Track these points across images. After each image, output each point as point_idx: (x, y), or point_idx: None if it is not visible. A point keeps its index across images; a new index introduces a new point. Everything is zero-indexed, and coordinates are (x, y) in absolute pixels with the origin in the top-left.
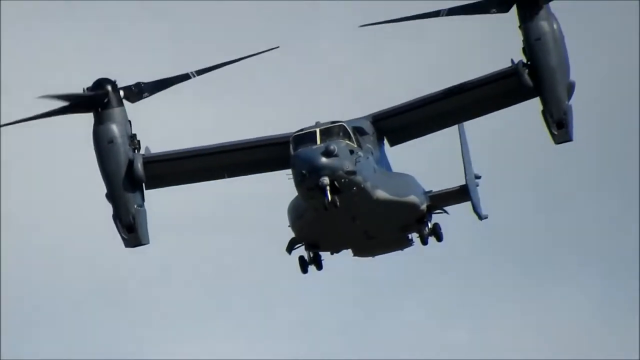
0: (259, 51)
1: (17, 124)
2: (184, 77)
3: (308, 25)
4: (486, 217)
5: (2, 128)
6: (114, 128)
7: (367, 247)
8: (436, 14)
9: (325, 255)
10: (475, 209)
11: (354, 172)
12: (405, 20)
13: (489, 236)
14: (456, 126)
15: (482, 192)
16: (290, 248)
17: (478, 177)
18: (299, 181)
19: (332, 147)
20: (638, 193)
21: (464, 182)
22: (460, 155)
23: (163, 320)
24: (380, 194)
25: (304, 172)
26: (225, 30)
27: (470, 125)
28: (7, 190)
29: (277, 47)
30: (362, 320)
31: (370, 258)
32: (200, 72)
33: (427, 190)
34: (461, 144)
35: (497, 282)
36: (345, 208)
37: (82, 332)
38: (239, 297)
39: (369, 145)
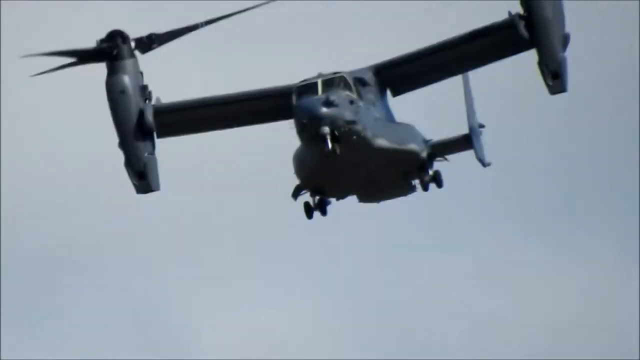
0: (265, 1)
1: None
2: (193, 28)
3: None
4: (489, 164)
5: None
6: (126, 79)
7: (371, 193)
8: None
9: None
10: (479, 157)
11: (353, 122)
12: None
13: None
14: (460, 76)
15: (485, 140)
16: (295, 194)
17: (482, 126)
18: (301, 130)
19: (332, 98)
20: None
21: (466, 131)
22: (463, 105)
23: (171, 266)
24: (381, 142)
25: (304, 121)
26: None
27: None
28: (20, 139)
29: None
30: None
31: (375, 204)
32: (208, 23)
33: (429, 139)
34: (465, 93)
35: (498, 229)
36: (347, 156)
37: (92, 278)
38: (244, 243)
39: (371, 96)
